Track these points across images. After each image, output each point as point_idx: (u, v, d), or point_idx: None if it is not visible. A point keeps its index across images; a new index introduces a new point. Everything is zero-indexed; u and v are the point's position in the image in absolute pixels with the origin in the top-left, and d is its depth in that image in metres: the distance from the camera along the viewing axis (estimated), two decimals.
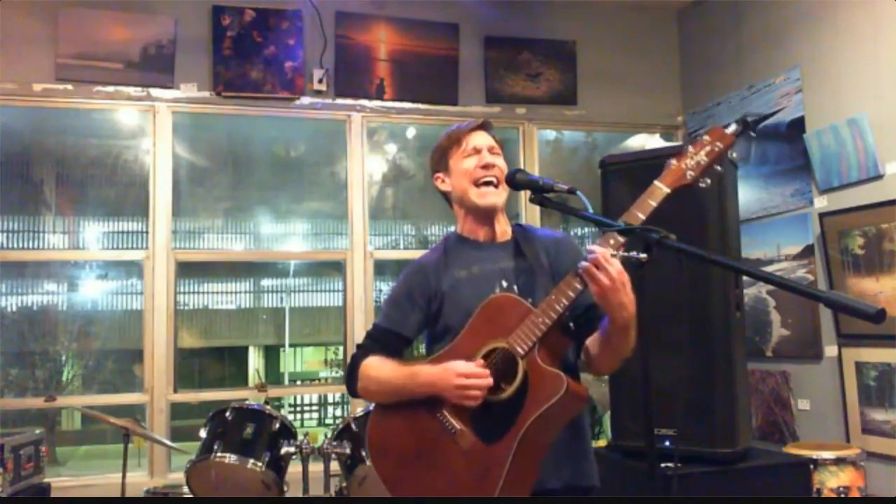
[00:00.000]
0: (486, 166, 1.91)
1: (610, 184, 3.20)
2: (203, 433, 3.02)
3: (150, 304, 3.98)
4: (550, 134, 4.95)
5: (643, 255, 1.48)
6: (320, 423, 11.50)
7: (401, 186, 5.21)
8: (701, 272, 2.85)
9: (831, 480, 3.13)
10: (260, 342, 11.66)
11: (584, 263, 1.61)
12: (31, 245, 4.77)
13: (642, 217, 1.58)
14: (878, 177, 3.41)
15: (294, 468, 3.00)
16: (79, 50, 3.93)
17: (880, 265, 3.38)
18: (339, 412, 10.71)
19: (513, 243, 1.94)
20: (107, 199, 4.69)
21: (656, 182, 1.61)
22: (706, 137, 1.59)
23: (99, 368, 6.10)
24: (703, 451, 2.82)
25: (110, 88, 3.98)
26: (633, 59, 4.76)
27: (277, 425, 3.00)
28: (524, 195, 3.28)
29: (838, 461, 3.15)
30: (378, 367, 1.85)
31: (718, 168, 1.58)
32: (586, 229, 5.09)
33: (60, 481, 3.77)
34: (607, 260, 1.58)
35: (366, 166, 4.38)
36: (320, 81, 4.22)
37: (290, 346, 11.55)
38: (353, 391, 1.90)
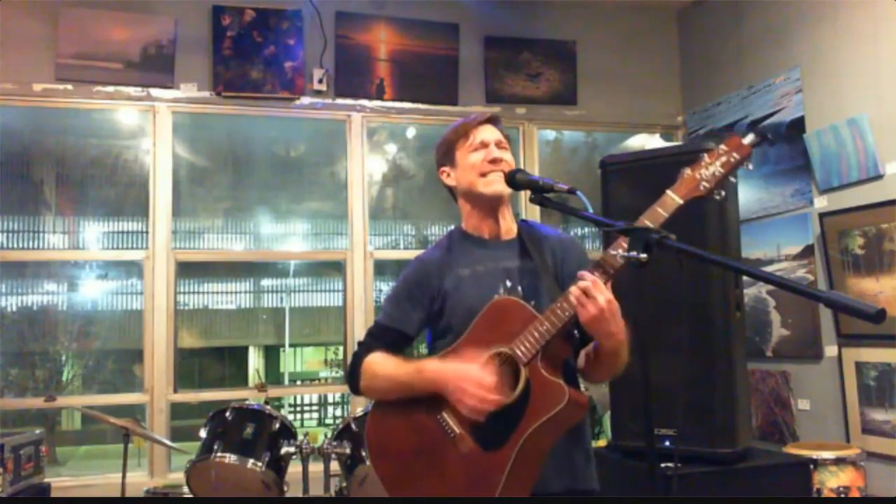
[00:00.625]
0: (493, 161, 1.87)
1: (610, 184, 3.20)
2: (203, 433, 3.02)
3: (150, 304, 3.98)
4: (550, 134, 4.95)
5: (643, 255, 1.47)
6: (320, 423, 11.51)
7: (401, 186, 5.20)
8: (701, 272, 2.85)
9: (831, 480, 3.13)
10: (260, 342, 11.66)
11: (573, 290, 1.59)
12: (31, 245, 4.75)
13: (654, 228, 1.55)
14: (878, 177, 3.41)
15: (294, 468, 3.00)
16: (79, 50, 3.93)
17: (880, 265, 3.38)
18: (339, 412, 10.71)
19: (518, 242, 1.91)
20: (107, 199, 4.68)
21: (669, 192, 1.56)
22: (722, 147, 1.53)
23: (99, 368, 6.09)
24: (703, 451, 2.82)
25: (110, 88, 3.98)
26: (633, 59, 4.76)
27: (277, 425, 3.00)
28: (524, 195, 3.29)
29: (838, 461, 3.15)
30: (381, 364, 1.82)
31: (733, 179, 1.54)
32: (586, 229, 5.08)
33: (60, 481, 3.77)
34: (598, 288, 1.57)
35: (366, 166, 4.38)
36: (320, 81, 4.21)
37: (290, 346, 11.55)
38: (355, 388, 1.87)
